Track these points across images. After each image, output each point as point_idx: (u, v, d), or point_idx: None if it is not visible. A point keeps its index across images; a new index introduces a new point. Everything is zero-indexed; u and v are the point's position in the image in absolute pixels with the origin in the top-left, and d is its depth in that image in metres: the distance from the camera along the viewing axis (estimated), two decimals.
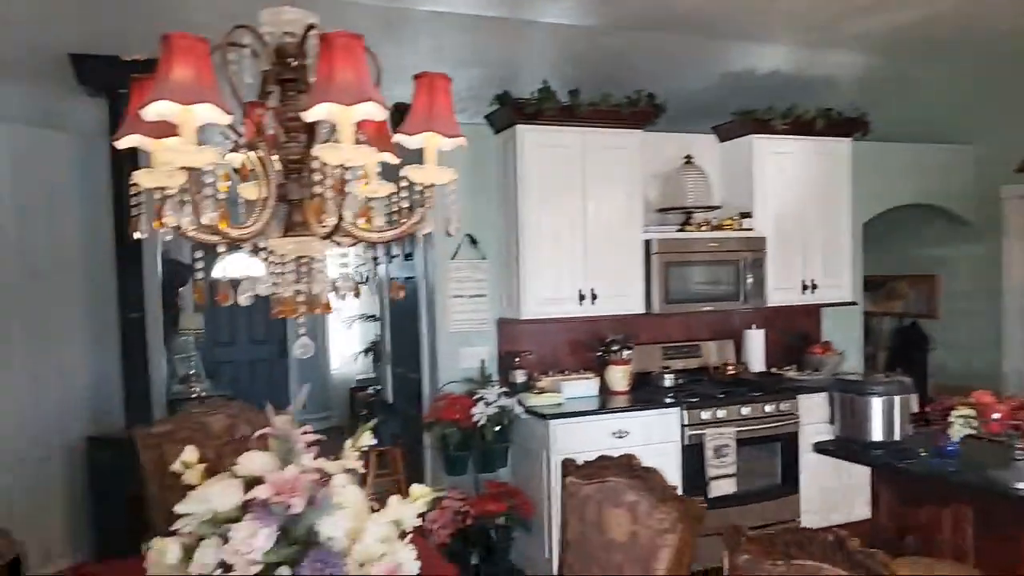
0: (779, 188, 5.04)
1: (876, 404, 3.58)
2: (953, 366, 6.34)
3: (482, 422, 4.25)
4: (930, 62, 5.11)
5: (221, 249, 1.79)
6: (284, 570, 1.59)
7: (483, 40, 4.34)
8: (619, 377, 4.72)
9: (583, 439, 4.19)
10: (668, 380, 4.80)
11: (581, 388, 4.61)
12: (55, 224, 4.84)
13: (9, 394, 4.56)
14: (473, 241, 4.69)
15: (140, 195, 1.75)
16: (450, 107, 1.78)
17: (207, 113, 1.50)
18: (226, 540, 1.64)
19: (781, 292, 5.05)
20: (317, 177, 1.53)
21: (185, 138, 1.51)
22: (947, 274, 6.49)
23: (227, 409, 3.31)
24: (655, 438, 4.36)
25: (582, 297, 4.54)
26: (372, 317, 7.36)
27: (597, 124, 4.54)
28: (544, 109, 4.37)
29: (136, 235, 1.70)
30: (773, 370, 5.24)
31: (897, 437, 3.53)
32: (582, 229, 4.56)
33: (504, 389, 4.40)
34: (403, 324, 5.34)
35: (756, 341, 5.22)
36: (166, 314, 5.48)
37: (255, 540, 1.57)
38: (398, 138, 1.76)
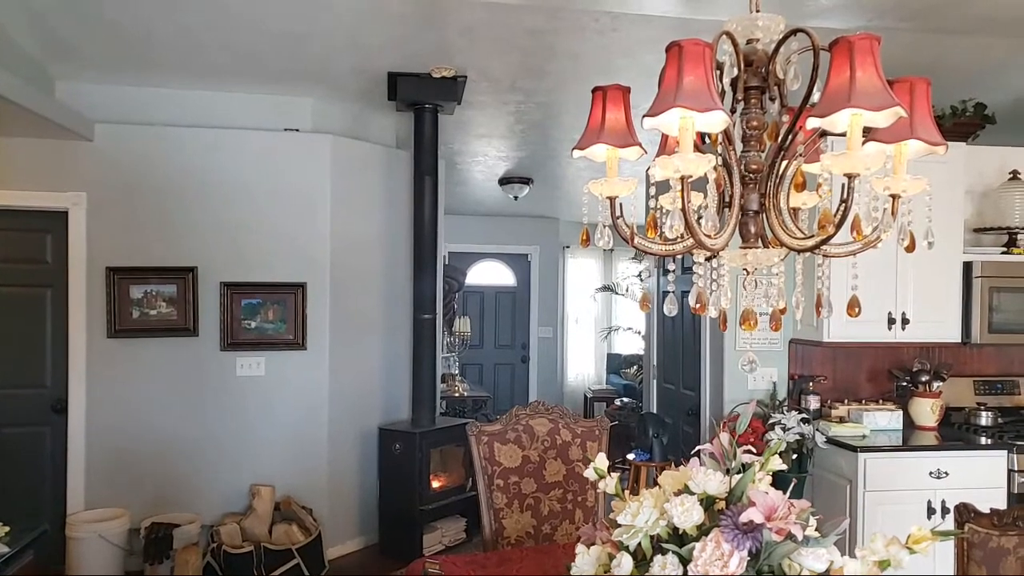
0: None
1: None
2: None
3: (780, 449, 4.02)
4: None
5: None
6: None
7: None
8: (927, 411, 4.30)
9: (895, 476, 3.86)
10: (985, 418, 4.31)
11: (884, 420, 4.26)
12: (358, 225, 5.22)
13: (319, 383, 4.96)
14: None
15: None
16: (929, 113, 1.66)
17: (715, 121, 1.47)
18: (681, 557, 1.60)
19: None
20: (825, 188, 1.45)
21: (685, 147, 1.48)
22: None
23: (548, 414, 3.37)
24: (975, 483, 3.91)
25: (891, 321, 4.19)
26: (633, 330, 7.31)
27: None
28: None
29: (601, 244, 1.70)
30: None
31: None
32: (894, 245, 4.19)
33: (802, 416, 4.15)
34: (674, 338, 5.23)
35: None
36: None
37: (727, 563, 1.51)
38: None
